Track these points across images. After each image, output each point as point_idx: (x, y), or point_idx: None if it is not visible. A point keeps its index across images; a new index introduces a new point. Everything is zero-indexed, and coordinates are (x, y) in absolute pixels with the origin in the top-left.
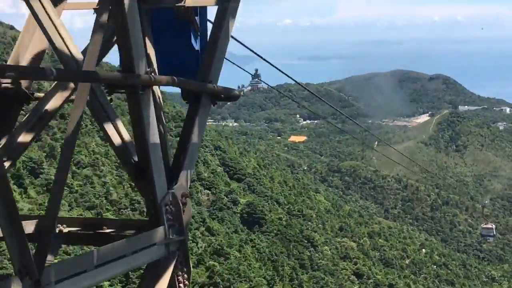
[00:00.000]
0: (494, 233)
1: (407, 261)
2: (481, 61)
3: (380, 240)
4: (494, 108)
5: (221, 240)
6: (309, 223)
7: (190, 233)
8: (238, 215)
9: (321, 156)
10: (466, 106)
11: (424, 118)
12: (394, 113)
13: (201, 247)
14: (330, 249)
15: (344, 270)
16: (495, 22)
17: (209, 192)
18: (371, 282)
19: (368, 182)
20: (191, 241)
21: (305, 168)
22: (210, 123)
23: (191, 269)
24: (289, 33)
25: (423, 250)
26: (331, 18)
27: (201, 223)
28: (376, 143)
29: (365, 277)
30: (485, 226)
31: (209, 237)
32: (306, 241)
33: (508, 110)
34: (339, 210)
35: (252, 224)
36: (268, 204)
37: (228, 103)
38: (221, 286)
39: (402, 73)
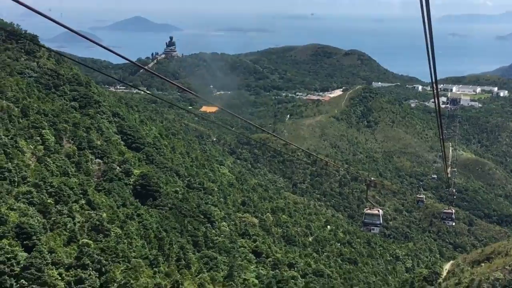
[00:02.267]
0: (380, 221)
1: (310, 239)
2: (396, 40)
3: (283, 216)
4: (407, 86)
5: (101, 215)
6: (210, 197)
7: (66, 207)
8: (131, 187)
9: (232, 128)
10: (379, 83)
11: (337, 93)
12: (308, 87)
13: (78, 222)
14: (228, 225)
15: (242, 248)
16: (412, 1)
17: (101, 161)
18: (269, 261)
19: (277, 155)
20: (65, 216)
21: (214, 139)
22: (121, 90)
23: None
24: (211, 3)
25: (328, 227)
26: None
27: (81, 195)
28: (288, 116)
29: (263, 255)
30: (368, 211)
31: (89, 211)
32: (202, 217)
33: (420, 88)
34: (243, 183)
35: (145, 197)
36: (166, 175)
37: (141, 70)
38: (90, 268)
39: (318, 48)
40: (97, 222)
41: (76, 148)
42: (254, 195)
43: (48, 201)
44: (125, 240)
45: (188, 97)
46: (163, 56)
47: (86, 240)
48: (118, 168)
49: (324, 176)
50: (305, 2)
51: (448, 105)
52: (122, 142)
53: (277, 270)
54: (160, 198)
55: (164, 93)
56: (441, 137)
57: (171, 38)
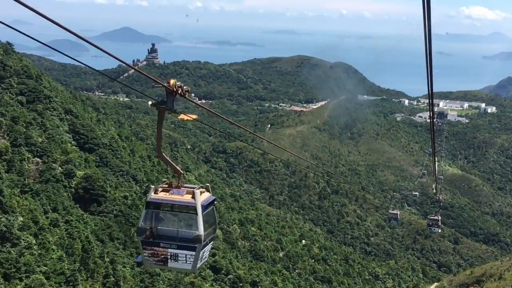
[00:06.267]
0: (199, 229)
1: (281, 254)
2: (383, 57)
3: (252, 228)
4: (393, 100)
5: (11, 220)
6: None
7: None
8: (72, 190)
9: (209, 136)
10: (365, 96)
11: (321, 104)
12: (292, 98)
13: None
14: None
15: None
16: (400, 20)
17: (40, 160)
18: (229, 279)
19: (254, 165)
20: None
21: (189, 147)
22: (98, 96)
23: None
24: (199, 16)
25: (302, 241)
26: (241, 5)
27: None
28: (269, 126)
29: (223, 272)
30: (157, 197)
31: (1, 216)
32: None
33: (406, 102)
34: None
35: (88, 202)
36: (119, 180)
37: (122, 76)
38: None
39: (304, 59)
40: (4, 228)
41: (9, 144)
42: (220, 205)
43: None
44: (35, 252)
45: None
46: (144, 63)
47: None
48: (58, 168)
49: (303, 188)
50: (292, 17)
51: (435, 119)
52: (73, 142)
53: None
54: (105, 203)
55: (143, 100)
56: (432, 147)
57: (153, 45)
